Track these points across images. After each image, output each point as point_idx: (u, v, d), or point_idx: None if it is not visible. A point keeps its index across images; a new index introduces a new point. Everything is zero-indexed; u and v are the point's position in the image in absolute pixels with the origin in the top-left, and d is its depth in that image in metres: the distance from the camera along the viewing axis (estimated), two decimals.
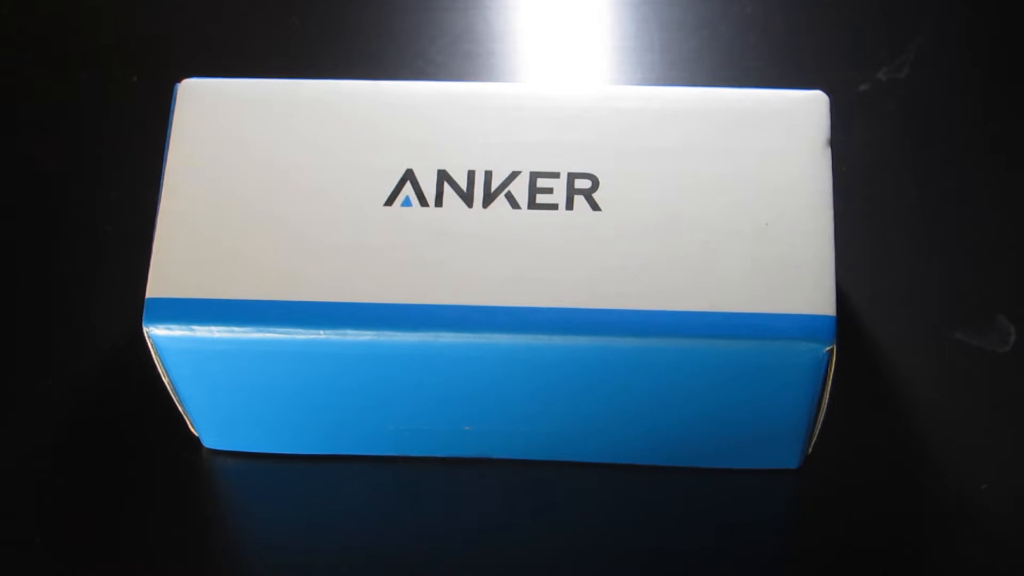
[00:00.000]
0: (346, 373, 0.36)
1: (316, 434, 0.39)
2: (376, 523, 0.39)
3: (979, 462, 0.39)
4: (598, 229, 0.36)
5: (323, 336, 0.35)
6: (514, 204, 0.36)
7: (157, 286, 0.35)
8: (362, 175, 0.36)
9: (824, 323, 0.35)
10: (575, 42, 0.47)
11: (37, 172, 0.44)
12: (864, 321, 0.41)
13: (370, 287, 0.35)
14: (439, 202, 0.36)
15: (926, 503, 0.39)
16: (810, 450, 0.39)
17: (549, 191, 0.36)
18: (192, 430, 0.39)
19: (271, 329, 0.35)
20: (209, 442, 0.39)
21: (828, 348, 0.35)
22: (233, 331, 0.35)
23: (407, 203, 0.36)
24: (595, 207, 0.36)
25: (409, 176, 0.36)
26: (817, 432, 0.38)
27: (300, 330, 0.35)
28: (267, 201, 0.36)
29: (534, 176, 0.36)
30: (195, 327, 0.35)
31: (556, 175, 0.36)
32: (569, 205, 0.36)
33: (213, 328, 0.35)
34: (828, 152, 0.36)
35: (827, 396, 0.36)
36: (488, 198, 0.36)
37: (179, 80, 0.37)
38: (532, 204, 0.36)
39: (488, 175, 0.36)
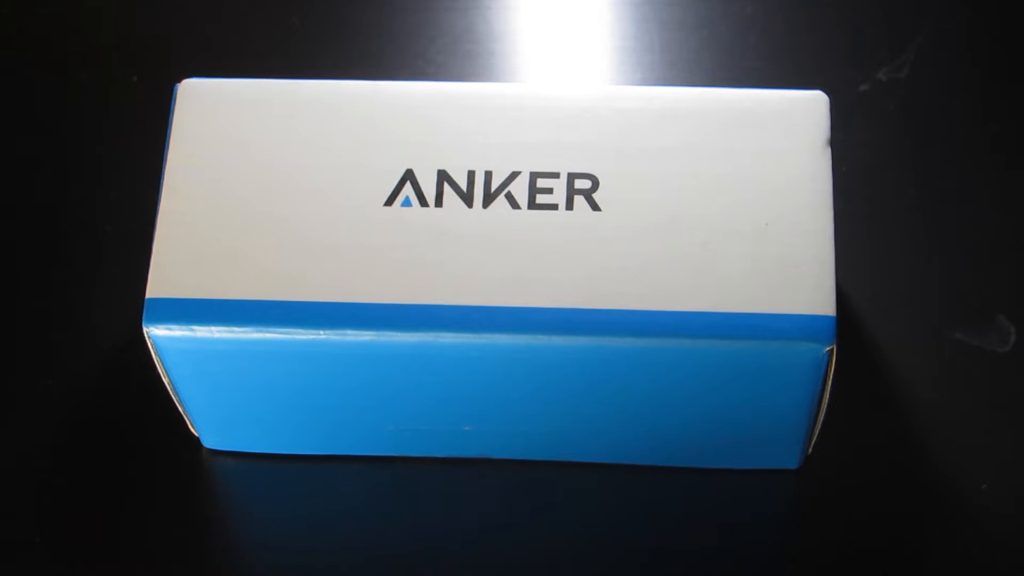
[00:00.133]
0: (346, 373, 0.36)
1: (316, 434, 0.39)
2: (375, 523, 0.39)
3: (979, 462, 0.39)
4: (598, 229, 0.36)
5: (323, 336, 0.35)
6: (514, 204, 0.36)
7: (157, 286, 0.35)
8: (362, 175, 0.36)
9: (824, 323, 0.35)
10: (575, 42, 0.47)
11: (37, 172, 0.44)
12: (864, 321, 0.41)
13: (370, 287, 0.35)
14: (439, 202, 0.36)
15: (926, 503, 0.39)
16: (810, 450, 0.39)
17: (549, 191, 0.36)
18: (192, 430, 0.39)
19: (271, 329, 0.35)
20: (209, 442, 0.39)
21: (828, 348, 0.35)
22: (233, 331, 0.35)
23: (407, 203, 0.36)
24: (595, 207, 0.36)
25: (409, 176, 0.36)
26: (817, 432, 0.38)
27: (300, 330, 0.35)
28: (267, 201, 0.36)
29: (534, 176, 0.36)
30: (195, 327, 0.35)
31: (556, 175, 0.36)
32: (569, 205, 0.36)
33: (213, 328, 0.35)
34: (828, 152, 0.36)
35: (827, 396, 0.36)
36: (488, 198, 0.36)
37: (179, 80, 0.37)
38: (532, 204, 0.36)
39: (488, 175, 0.36)
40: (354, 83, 0.37)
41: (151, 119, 0.41)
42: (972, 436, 0.40)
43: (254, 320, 0.35)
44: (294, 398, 0.37)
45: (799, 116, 0.36)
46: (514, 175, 0.36)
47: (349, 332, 0.35)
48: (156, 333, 0.35)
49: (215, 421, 0.38)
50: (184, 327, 0.35)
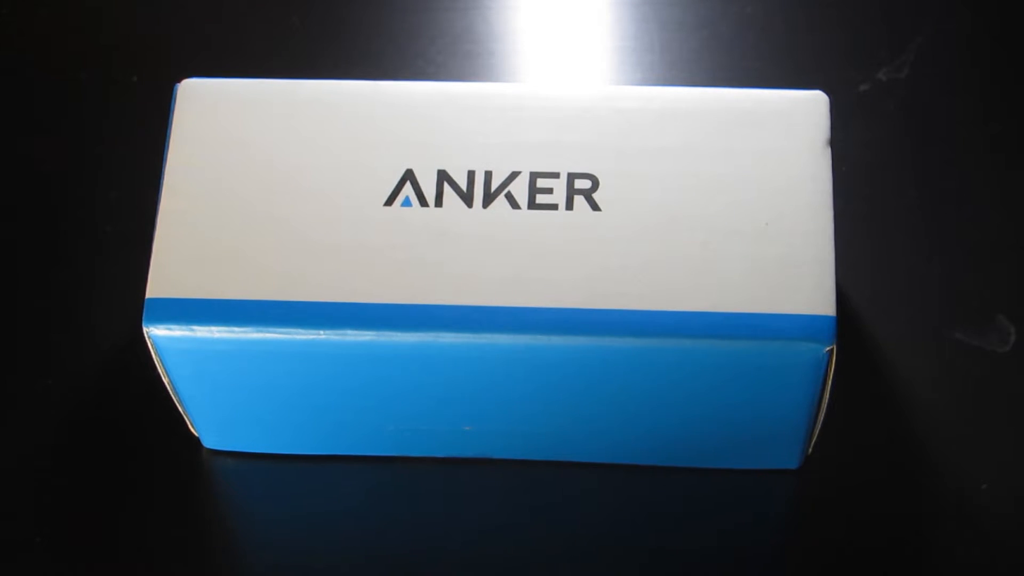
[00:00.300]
0: (346, 373, 0.36)
1: (316, 434, 0.39)
2: (375, 523, 0.39)
3: (979, 462, 0.39)
4: (598, 229, 0.36)
5: (323, 336, 0.35)
6: (514, 204, 0.36)
7: (157, 286, 0.35)
8: (362, 175, 0.36)
9: (824, 323, 0.35)
10: (575, 42, 0.47)
11: (37, 172, 0.44)
12: (864, 321, 0.41)
13: (370, 287, 0.35)
14: (439, 202, 0.36)
15: (926, 503, 0.39)
16: (810, 450, 0.39)
17: (549, 191, 0.36)
18: (192, 430, 0.39)
19: (271, 329, 0.35)
20: (209, 442, 0.39)
21: (828, 348, 0.35)
22: (233, 331, 0.35)
23: (407, 203, 0.36)
24: (595, 207, 0.36)
25: (409, 176, 0.36)
26: (817, 432, 0.38)
27: (300, 330, 0.35)
28: (267, 201, 0.36)
29: (534, 176, 0.36)
30: (195, 327, 0.35)
31: (556, 175, 0.36)
32: (569, 205, 0.36)
33: (213, 328, 0.35)
34: (828, 152, 0.36)
35: (827, 396, 0.36)
36: (488, 198, 0.36)
37: (179, 80, 0.37)
38: (532, 204, 0.36)
39: (488, 175, 0.36)
40: (354, 83, 0.37)
41: (151, 119, 0.41)
42: (972, 436, 0.40)
43: (254, 320, 0.35)
44: (294, 398, 0.37)
45: (799, 116, 0.36)
46: (514, 175, 0.36)
47: (349, 332, 0.35)
48: (156, 333, 0.35)
49: (215, 421, 0.38)
50: (184, 327, 0.35)
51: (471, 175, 0.36)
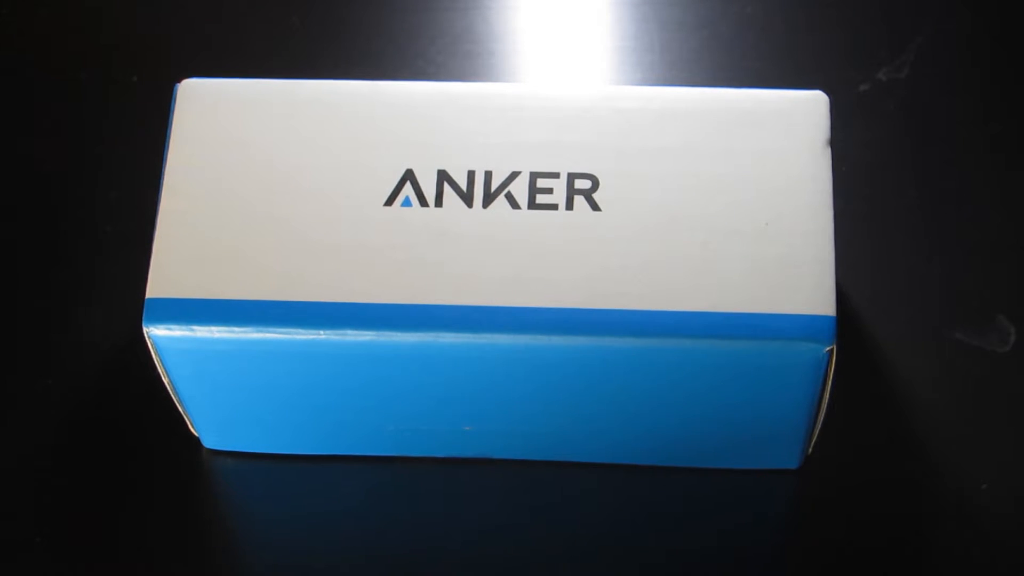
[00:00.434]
0: (346, 373, 0.36)
1: (316, 434, 0.39)
2: (375, 523, 0.39)
3: (979, 462, 0.39)
4: (598, 229, 0.36)
5: (323, 336, 0.35)
6: (514, 204, 0.36)
7: (157, 286, 0.35)
8: (362, 175, 0.36)
9: (824, 323, 0.35)
10: (575, 42, 0.47)
11: (37, 172, 0.44)
12: (864, 321, 0.41)
13: (370, 287, 0.35)
14: (439, 202, 0.36)
15: (926, 503, 0.39)
16: (810, 450, 0.39)
17: (549, 191, 0.36)
18: (192, 430, 0.39)
19: (271, 329, 0.35)
20: (209, 442, 0.39)
21: (828, 348, 0.35)
22: (233, 331, 0.35)
23: (407, 203, 0.36)
24: (595, 207, 0.36)
25: (409, 176, 0.36)
26: (817, 432, 0.38)
27: (300, 330, 0.35)
28: (267, 201, 0.36)
29: (534, 176, 0.36)
30: (195, 327, 0.35)
31: (556, 175, 0.36)
32: (569, 205, 0.36)
33: (213, 328, 0.35)
34: (828, 152, 0.36)
35: (827, 396, 0.36)
36: (488, 198, 0.36)
37: (179, 80, 0.37)
38: (532, 204, 0.36)
39: (488, 175, 0.36)
40: (354, 83, 0.37)
41: (151, 119, 0.41)
42: (972, 436, 0.40)
43: (254, 320, 0.35)
44: (294, 398, 0.37)
45: (799, 116, 0.36)
46: (514, 175, 0.36)
47: (349, 332, 0.35)
48: (156, 333, 0.35)
49: (215, 421, 0.38)
50: (184, 327, 0.35)
51: (471, 175, 0.36)
